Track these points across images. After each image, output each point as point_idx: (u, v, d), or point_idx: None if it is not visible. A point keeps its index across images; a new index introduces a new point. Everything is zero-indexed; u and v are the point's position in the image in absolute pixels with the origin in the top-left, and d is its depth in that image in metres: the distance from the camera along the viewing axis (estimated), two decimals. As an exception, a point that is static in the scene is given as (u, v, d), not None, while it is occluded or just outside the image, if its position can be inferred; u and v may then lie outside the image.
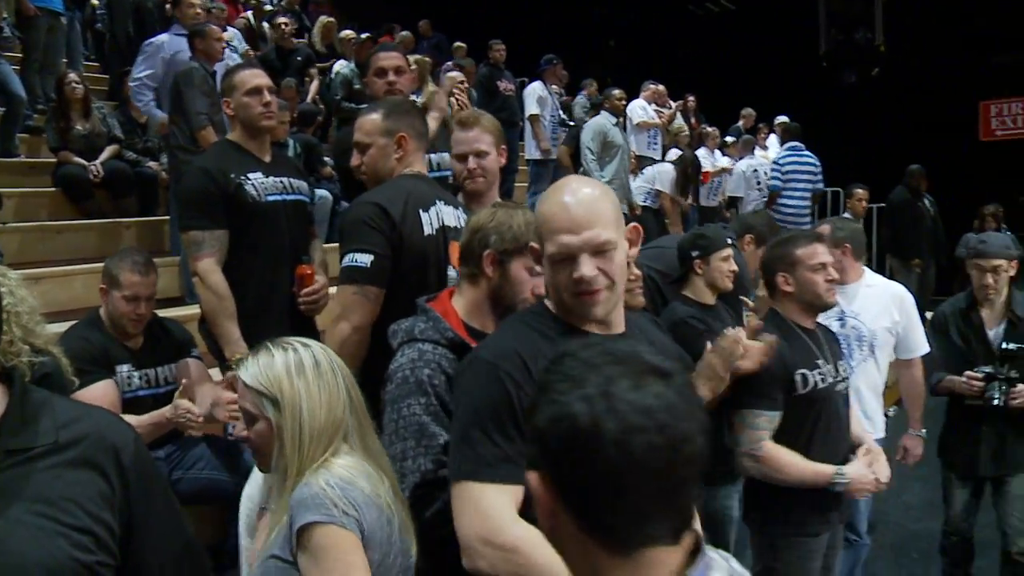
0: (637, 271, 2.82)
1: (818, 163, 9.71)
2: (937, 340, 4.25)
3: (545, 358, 1.62)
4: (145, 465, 1.41)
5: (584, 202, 1.82)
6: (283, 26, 9.30)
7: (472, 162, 3.09)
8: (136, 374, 3.58)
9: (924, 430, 4.19)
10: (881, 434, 3.97)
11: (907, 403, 4.23)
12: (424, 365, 2.13)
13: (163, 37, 6.16)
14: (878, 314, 3.98)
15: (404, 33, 11.00)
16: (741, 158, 10.78)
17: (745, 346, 2.67)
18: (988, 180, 15.46)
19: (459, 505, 1.79)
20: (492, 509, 1.74)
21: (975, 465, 4.12)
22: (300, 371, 1.87)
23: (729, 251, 3.56)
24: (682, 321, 3.40)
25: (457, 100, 4.12)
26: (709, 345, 2.68)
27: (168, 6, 7.09)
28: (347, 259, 2.75)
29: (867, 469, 2.99)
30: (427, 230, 2.87)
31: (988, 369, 3.96)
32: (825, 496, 2.98)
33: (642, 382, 0.97)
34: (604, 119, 8.49)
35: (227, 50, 6.49)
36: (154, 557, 1.39)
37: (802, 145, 9.78)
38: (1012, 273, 4.10)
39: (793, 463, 2.94)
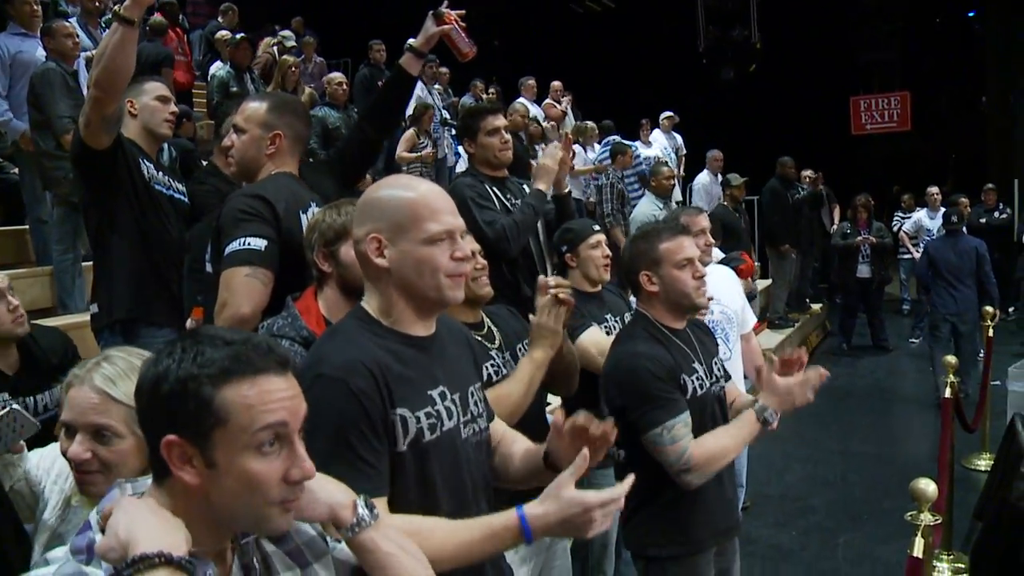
0: (484, 260, 2.81)
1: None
2: None
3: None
4: None
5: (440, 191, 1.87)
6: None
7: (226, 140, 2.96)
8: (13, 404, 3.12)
9: None
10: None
11: (753, 374, 4.07)
12: None
13: None
14: (732, 294, 4.10)
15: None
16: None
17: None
18: (860, 172, 16.21)
19: None
20: None
21: None
22: None
23: (598, 238, 3.58)
24: None
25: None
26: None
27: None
28: (236, 243, 2.54)
29: (781, 385, 2.61)
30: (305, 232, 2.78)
31: None
32: (719, 509, 2.81)
33: None
34: (650, 206, 7.64)
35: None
36: None
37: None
38: None
39: (723, 444, 2.63)
